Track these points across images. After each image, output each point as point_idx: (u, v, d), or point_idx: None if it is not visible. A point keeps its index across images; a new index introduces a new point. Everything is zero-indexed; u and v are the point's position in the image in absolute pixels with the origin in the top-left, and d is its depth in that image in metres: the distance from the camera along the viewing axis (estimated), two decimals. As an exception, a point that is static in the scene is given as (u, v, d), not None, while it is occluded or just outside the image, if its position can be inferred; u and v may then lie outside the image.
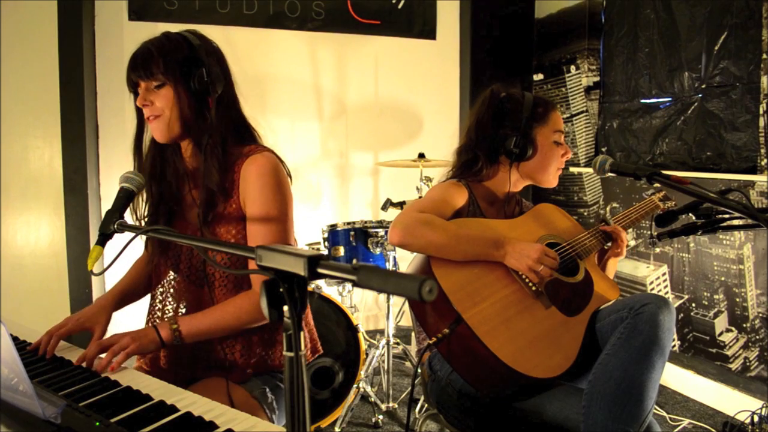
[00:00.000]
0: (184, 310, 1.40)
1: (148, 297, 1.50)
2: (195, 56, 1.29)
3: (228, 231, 1.34)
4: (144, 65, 1.27)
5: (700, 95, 2.86)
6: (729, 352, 2.71)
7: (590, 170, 3.21)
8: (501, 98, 1.60)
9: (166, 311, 1.42)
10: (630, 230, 1.70)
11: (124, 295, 1.46)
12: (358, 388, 2.47)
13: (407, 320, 3.52)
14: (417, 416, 2.43)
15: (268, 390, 1.36)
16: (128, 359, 1.17)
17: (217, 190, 1.31)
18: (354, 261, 2.58)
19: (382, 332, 2.96)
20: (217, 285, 1.36)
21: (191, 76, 1.28)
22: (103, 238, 1.13)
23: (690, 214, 1.34)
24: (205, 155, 1.31)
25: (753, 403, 2.49)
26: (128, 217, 1.19)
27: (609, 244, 1.62)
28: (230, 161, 1.34)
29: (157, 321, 1.43)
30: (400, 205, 2.70)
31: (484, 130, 1.59)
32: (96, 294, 3.05)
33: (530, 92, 1.64)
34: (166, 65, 1.26)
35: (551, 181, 1.62)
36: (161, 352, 1.39)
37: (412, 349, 3.02)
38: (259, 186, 1.31)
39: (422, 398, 2.52)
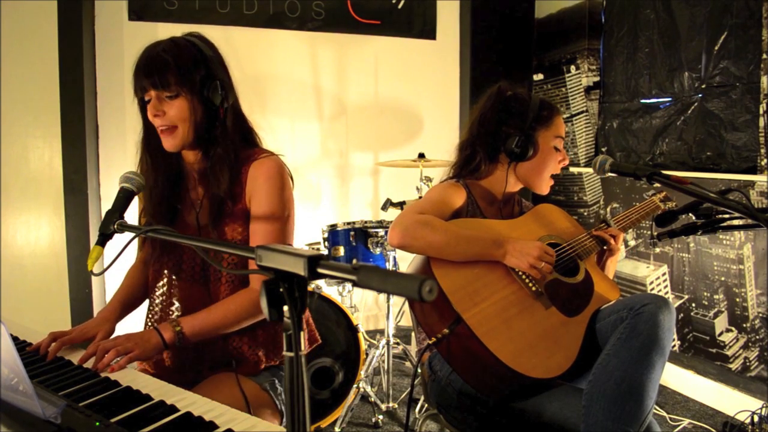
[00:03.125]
0: (183, 310, 1.40)
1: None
2: (209, 67, 1.29)
3: (234, 230, 1.36)
4: (160, 74, 1.24)
5: (700, 95, 2.86)
6: (729, 352, 2.71)
7: (590, 170, 3.20)
8: (507, 96, 1.60)
9: (169, 312, 1.42)
10: (630, 230, 1.70)
11: (125, 305, 1.46)
12: (358, 388, 2.47)
13: (407, 320, 3.52)
14: (417, 416, 2.43)
15: (277, 382, 1.38)
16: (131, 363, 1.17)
17: (225, 196, 1.33)
18: (354, 261, 2.58)
19: (382, 332, 2.96)
20: (224, 281, 1.37)
21: (205, 88, 1.28)
22: (103, 238, 1.13)
23: (690, 214, 1.34)
24: (213, 163, 1.33)
25: (753, 403, 2.49)
26: (130, 218, 1.19)
27: (605, 245, 1.62)
28: (237, 166, 1.36)
29: (157, 322, 1.43)
30: (400, 205, 2.70)
31: (486, 127, 1.59)
32: (96, 294, 3.05)
33: (530, 92, 1.64)
34: (182, 76, 1.26)
35: (543, 187, 1.62)
36: (165, 354, 1.39)
37: (412, 349, 3.02)
38: (267, 188, 1.33)
39: (422, 398, 2.52)
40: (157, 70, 1.25)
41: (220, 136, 1.33)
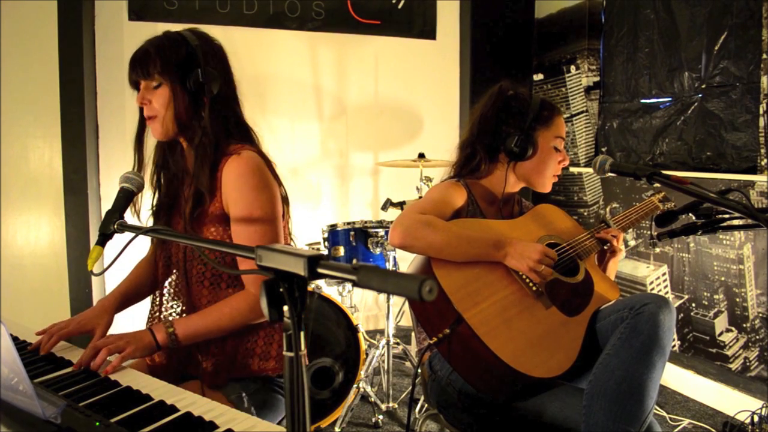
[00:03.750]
0: (180, 307, 1.40)
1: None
2: (192, 56, 1.30)
3: (208, 230, 1.33)
4: (142, 65, 1.29)
5: (700, 95, 2.86)
6: (729, 352, 2.71)
7: (590, 170, 3.21)
8: (508, 96, 1.60)
9: (164, 308, 1.42)
10: (630, 230, 1.70)
11: (126, 297, 1.46)
12: (358, 388, 2.47)
13: (407, 320, 3.52)
14: (417, 416, 2.43)
15: (245, 395, 1.34)
16: (125, 362, 1.17)
17: (206, 190, 1.31)
18: (354, 261, 2.58)
19: (382, 332, 2.96)
20: (194, 281, 1.35)
21: (187, 77, 1.29)
22: (103, 238, 1.13)
23: (690, 214, 1.34)
24: (196, 156, 1.32)
25: (753, 403, 2.49)
26: (129, 217, 1.20)
27: (606, 245, 1.62)
28: (217, 160, 1.33)
29: (155, 321, 1.42)
30: (400, 205, 2.70)
31: (487, 126, 1.58)
32: (96, 294, 3.05)
33: (531, 92, 1.64)
34: (162, 66, 1.28)
35: (546, 185, 1.62)
36: (156, 354, 1.38)
37: (412, 349, 3.02)
38: (239, 187, 1.30)
39: (422, 398, 2.52)
40: (140, 61, 1.30)
41: (199, 127, 1.32)
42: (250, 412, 1.34)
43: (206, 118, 1.32)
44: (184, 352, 1.37)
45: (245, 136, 1.40)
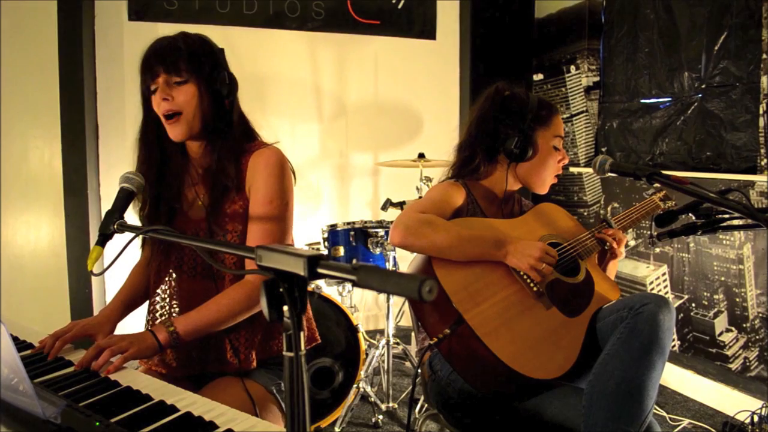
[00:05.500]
0: (185, 308, 1.40)
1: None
2: (217, 60, 1.35)
3: (235, 227, 1.35)
4: (171, 58, 1.29)
5: (700, 95, 2.86)
6: (729, 352, 2.71)
7: (590, 170, 3.20)
8: (505, 96, 1.59)
9: (171, 310, 1.41)
10: (630, 230, 1.70)
11: (127, 305, 1.46)
12: (358, 388, 2.47)
13: (407, 320, 3.52)
14: (417, 416, 2.43)
15: (282, 384, 1.37)
16: (126, 362, 1.17)
17: (232, 186, 1.35)
18: (354, 261, 2.58)
19: (382, 332, 2.96)
20: (224, 275, 1.37)
21: (214, 78, 1.32)
22: (103, 239, 1.13)
23: (690, 214, 1.34)
24: (220, 155, 1.35)
25: (753, 403, 2.49)
26: (129, 217, 1.19)
27: (607, 245, 1.61)
28: (239, 158, 1.38)
29: (156, 323, 1.42)
30: (400, 205, 2.70)
31: (485, 127, 1.58)
32: (96, 294, 3.05)
33: (528, 92, 1.64)
34: (192, 63, 1.30)
35: (544, 187, 1.62)
36: (168, 352, 1.39)
37: (412, 349, 3.02)
38: (266, 175, 1.34)
39: (422, 398, 2.52)
40: (169, 54, 1.29)
41: (226, 128, 1.36)
42: None
43: (233, 120, 1.37)
44: (197, 352, 1.37)
45: (255, 135, 1.45)
